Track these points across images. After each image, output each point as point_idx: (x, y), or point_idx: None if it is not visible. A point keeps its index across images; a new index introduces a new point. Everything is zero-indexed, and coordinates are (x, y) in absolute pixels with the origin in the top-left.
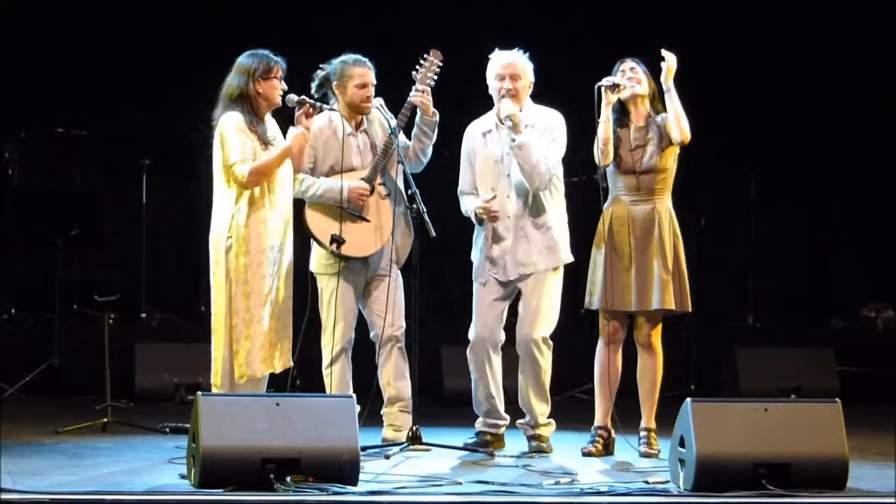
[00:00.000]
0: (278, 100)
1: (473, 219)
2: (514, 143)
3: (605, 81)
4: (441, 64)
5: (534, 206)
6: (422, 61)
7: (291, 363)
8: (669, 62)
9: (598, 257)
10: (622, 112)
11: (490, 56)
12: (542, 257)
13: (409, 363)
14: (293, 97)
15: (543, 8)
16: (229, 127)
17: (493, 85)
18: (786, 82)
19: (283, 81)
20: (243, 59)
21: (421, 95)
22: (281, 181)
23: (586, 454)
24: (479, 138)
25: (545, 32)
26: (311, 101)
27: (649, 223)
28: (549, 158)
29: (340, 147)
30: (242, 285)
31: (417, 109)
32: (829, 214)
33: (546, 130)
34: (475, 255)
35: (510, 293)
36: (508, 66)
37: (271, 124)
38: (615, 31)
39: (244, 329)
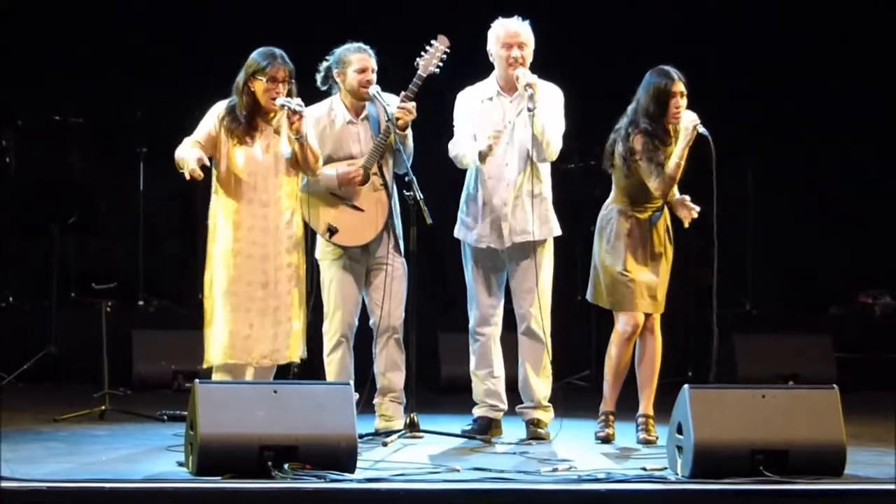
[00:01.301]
0: (264, 102)
1: (470, 159)
2: (534, 111)
3: (702, 130)
4: (448, 51)
5: (532, 176)
6: (427, 48)
7: (291, 359)
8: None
9: (614, 259)
10: (666, 132)
11: (492, 24)
12: (537, 227)
13: (405, 352)
14: (279, 101)
15: (544, 7)
16: (209, 111)
17: (498, 53)
18: (786, 74)
19: (283, 85)
20: (252, 55)
21: (404, 110)
22: (276, 183)
23: (602, 437)
24: (477, 105)
25: (546, 29)
26: (289, 104)
27: (666, 228)
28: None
29: (337, 135)
30: (207, 272)
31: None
32: (826, 201)
33: (549, 104)
34: (465, 223)
35: (500, 265)
36: (516, 35)
37: (267, 127)
38: (616, 29)
39: (209, 319)
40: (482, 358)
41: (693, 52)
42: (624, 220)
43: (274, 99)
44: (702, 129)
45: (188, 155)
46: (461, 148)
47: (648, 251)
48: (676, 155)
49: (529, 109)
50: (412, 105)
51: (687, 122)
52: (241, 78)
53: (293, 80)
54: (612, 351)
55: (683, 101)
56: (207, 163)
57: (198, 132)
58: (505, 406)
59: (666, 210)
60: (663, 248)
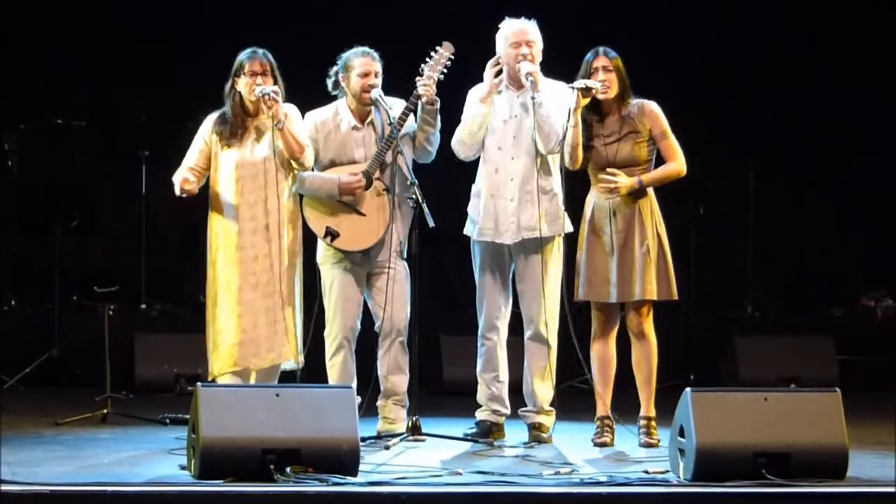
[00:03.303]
0: (248, 95)
1: (470, 114)
2: (536, 99)
3: (578, 84)
4: (452, 57)
5: (540, 171)
6: (432, 53)
7: (289, 358)
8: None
9: (579, 248)
10: (595, 106)
11: (500, 25)
12: (546, 224)
13: (409, 355)
14: (256, 90)
15: (544, 10)
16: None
17: (507, 51)
18: (786, 74)
19: (263, 77)
20: None
21: (425, 87)
22: (268, 182)
23: (600, 444)
24: (470, 107)
25: (547, 33)
26: (265, 91)
27: (630, 215)
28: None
29: (341, 140)
30: (208, 280)
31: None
32: (828, 203)
33: (559, 100)
34: (471, 217)
35: (506, 263)
36: (522, 33)
37: (258, 124)
38: (620, 28)
39: (211, 330)
40: (488, 362)
41: (695, 53)
42: (588, 208)
43: (253, 91)
44: (576, 84)
45: (175, 177)
46: (462, 122)
47: (610, 237)
48: (570, 121)
49: (533, 98)
50: (432, 80)
51: (569, 86)
52: (229, 81)
53: (277, 73)
54: (592, 349)
55: (608, 76)
56: (192, 179)
57: (189, 154)
58: (508, 411)
59: (649, 196)
60: (634, 235)
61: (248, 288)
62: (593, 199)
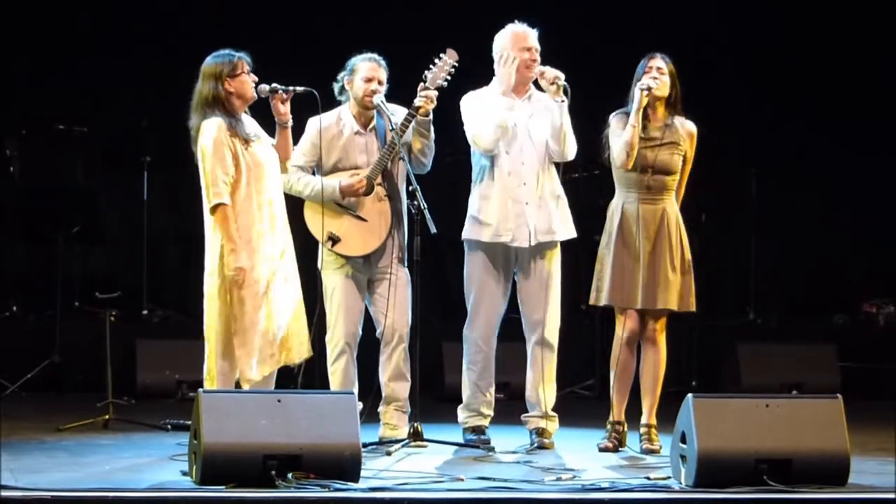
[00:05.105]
0: (251, 93)
1: (496, 121)
2: (563, 102)
3: (641, 84)
4: (456, 64)
5: (549, 176)
6: (436, 60)
7: (294, 360)
8: None
9: (606, 253)
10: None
11: (505, 30)
12: (560, 227)
13: (410, 361)
14: (264, 87)
15: (548, 8)
16: (208, 139)
17: (517, 55)
18: (786, 78)
19: (252, 74)
20: (207, 64)
21: (425, 98)
22: (274, 185)
23: (603, 449)
24: (490, 101)
25: (550, 31)
26: (283, 87)
27: (660, 222)
28: None
29: (344, 145)
30: (237, 291)
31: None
32: (830, 210)
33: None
34: (479, 220)
35: (510, 268)
36: (531, 39)
37: (249, 122)
38: (621, 30)
39: (242, 336)
40: (485, 370)
41: (697, 52)
42: (616, 213)
43: (256, 87)
44: (640, 86)
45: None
46: (488, 119)
47: (639, 243)
48: (630, 120)
49: (561, 101)
50: (434, 94)
51: (637, 87)
52: (212, 86)
53: None
54: (612, 354)
55: (661, 76)
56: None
57: (220, 163)
58: (492, 412)
59: (668, 205)
60: (663, 243)
61: (280, 282)
62: (621, 203)
